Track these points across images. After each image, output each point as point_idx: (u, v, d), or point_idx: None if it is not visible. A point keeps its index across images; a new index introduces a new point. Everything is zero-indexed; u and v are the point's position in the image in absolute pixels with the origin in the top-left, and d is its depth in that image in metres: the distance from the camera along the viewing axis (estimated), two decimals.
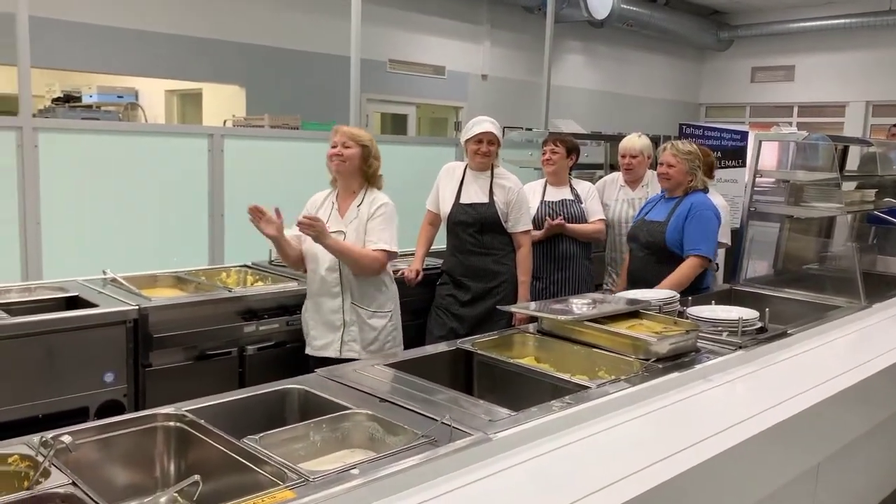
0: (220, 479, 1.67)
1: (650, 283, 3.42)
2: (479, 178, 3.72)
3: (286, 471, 1.54)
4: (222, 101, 8.42)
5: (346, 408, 1.92)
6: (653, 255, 3.63)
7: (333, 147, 3.10)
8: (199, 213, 4.55)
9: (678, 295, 3.03)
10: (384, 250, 3.08)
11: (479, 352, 2.52)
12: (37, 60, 6.36)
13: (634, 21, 11.03)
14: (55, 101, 8.60)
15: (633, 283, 3.63)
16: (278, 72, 8.22)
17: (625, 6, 10.59)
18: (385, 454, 1.67)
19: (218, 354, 3.11)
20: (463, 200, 3.71)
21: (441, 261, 3.86)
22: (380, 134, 9.55)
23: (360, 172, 3.13)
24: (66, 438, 1.47)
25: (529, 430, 1.85)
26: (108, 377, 2.83)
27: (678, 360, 2.43)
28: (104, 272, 3.31)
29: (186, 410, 1.83)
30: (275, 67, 8.19)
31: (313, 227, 2.92)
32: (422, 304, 3.79)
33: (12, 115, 3.90)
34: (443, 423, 1.76)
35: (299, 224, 2.92)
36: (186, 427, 1.79)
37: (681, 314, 2.88)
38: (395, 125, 10.12)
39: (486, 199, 3.68)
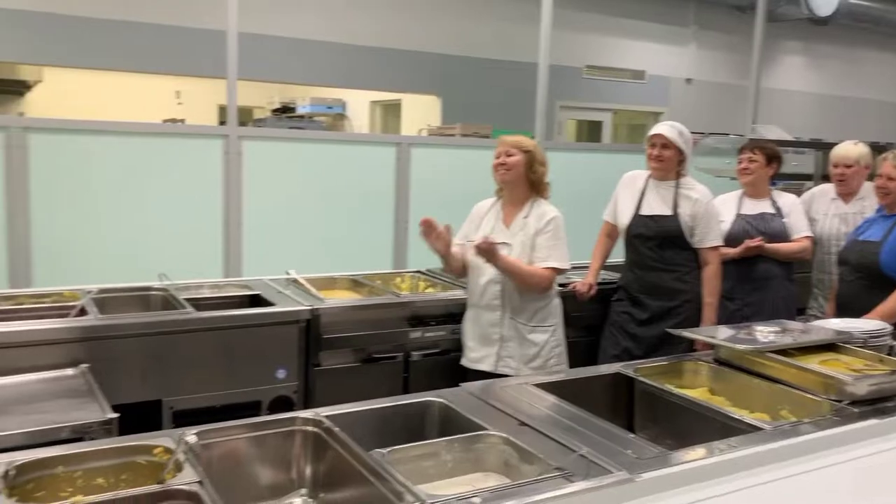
0: (345, 490, 1.65)
1: (861, 312, 2.99)
2: (661, 188, 3.47)
3: (404, 490, 1.48)
4: (419, 111, 8.70)
5: (483, 428, 1.83)
6: (865, 279, 3.19)
7: (497, 158, 3.04)
8: (386, 219, 4.69)
9: (890, 327, 2.60)
10: (554, 268, 2.98)
11: (641, 378, 2.31)
12: (258, 74, 6.98)
13: (865, 17, 9.91)
14: (274, 111, 9.39)
15: (842, 310, 3.20)
16: (472, 80, 8.33)
17: (854, 1, 9.54)
18: (513, 484, 1.55)
19: (384, 358, 3.15)
20: (643, 212, 3.48)
21: (617, 275, 3.65)
22: (574, 141, 9.39)
23: (525, 180, 3.05)
24: (191, 438, 1.51)
25: (682, 473, 1.64)
26: (281, 374, 2.96)
27: (880, 404, 2.07)
28: (287, 273, 3.48)
29: (325, 416, 1.83)
30: (469, 76, 8.32)
31: (489, 252, 2.87)
32: (595, 321, 3.61)
33: (242, 124, 4.26)
34: (580, 455, 1.61)
35: (477, 247, 2.87)
36: (322, 433, 1.79)
37: (891, 350, 2.47)
38: (591, 132, 9.90)
39: (669, 211, 3.42)
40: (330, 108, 9.31)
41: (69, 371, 2.38)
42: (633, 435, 1.89)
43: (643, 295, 3.45)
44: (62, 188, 3.73)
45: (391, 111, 9.72)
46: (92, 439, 1.83)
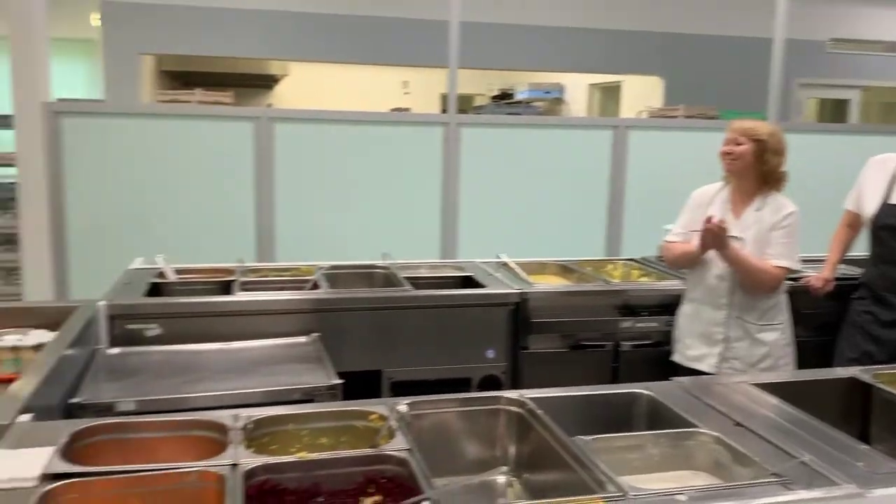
0: (547, 473, 1.66)
1: None
2: None
3: (606, 480, 1.46)
4: (640, 93, 8.42)
5: (693, 425, 1.75)
6: None
7: (725, 145, 2.85)
8: (600, 205, 4.62)
9: None
10: (784, 267, 2.77)
11: (880, 385, 2.07)
12: (478, 62, 7.14)
13: None
14: (493, 98, 9.58)
15: None
16: (698, 59, 7.90)
17: None
18: (723, 485, 1.48)
19: (592, 346, 3.12)
20: (893, 200, 3.10)
21: (858, 270, 3.29)
22: (814, 122, 8.59)
23: (755, 171, 2.82)
24: (403, 408, 1.60)
25: None
26: (490, 354, 3.04)
27: None
28: (498, 256, 3.56)
29: (529, 398, 1.86)
30: (695, 55, 7.89)
31: (718, 237, 2.72)
32: (831, 319, 3.27)
33: (463, 112, 4.44)
34: (801, 462, 1.49)
35: (707, 230, 2.72)
36: (525, 415, 1.82)
37: None
38: (835, 112, 8.98)
39: None
40: (547, 92, 9.31)
41: (302, 339, 2.62)
42: (866, 446, 1.71)
43: (890, 293, 3.08)
44: (302, 173, 4.11)
45: (610, 94, 9.51)
46: (319, 402, 2.01)
